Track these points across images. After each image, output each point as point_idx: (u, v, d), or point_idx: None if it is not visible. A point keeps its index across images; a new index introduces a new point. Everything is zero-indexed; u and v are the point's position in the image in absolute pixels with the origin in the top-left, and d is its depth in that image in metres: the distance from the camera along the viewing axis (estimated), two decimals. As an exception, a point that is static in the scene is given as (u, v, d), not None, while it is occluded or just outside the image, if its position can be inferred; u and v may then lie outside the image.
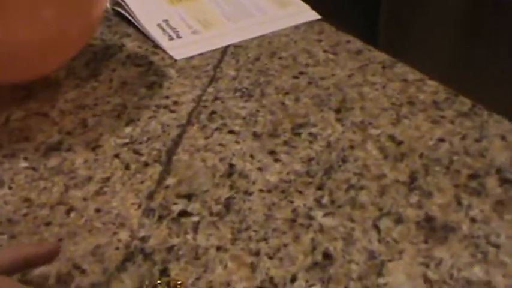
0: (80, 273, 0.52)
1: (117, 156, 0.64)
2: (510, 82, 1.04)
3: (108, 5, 0.87)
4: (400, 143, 0.65)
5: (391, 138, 0.66)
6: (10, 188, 0.61)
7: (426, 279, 0.51)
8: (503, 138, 0.65)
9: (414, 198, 0.58)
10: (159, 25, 0.85)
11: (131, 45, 0.82)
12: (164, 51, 0.81)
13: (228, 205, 0.57)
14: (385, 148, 0.64)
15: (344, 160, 0.63)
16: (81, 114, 0.70)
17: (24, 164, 0.64)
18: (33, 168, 0.63)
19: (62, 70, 0.77)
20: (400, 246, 0.53)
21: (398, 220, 0.56)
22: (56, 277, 0.52)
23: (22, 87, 0.73)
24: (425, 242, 0.54)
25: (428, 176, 0.61)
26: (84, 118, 0.69)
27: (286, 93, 0.73)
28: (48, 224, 0.57)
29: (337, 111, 0.70)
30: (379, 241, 0.54)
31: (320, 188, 0.59)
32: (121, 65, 0.78)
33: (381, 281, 0.50)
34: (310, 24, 0.87)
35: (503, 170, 0.61)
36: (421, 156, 0.63)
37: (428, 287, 0.50)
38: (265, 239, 0.54)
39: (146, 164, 0.62)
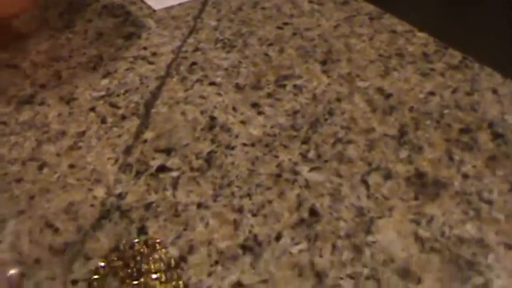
0: (53, 231, 0.49)
1: (92, 109, 0.60)
2: (501, 35, 1.01)
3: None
4: (388, 95, 0.62)
5: (380, 91, 0.63)
6: (-21, 143, 0.57)
7: (417, 237, 0.48)
8: (494, 91, 0.63)
9: (404, 153, 0.56)
10: (136, -27, 0.81)
11: (107, -6, 0.78)
12: (142, 1, 0.77)
13: (209, 160, 0.55)
14: (373, 101, 0.62)
15: (330, 113, 0.60)
16: (55, 67, 0.66)
17: (-6, 119, 0.60)
18: (4, 123, 0.60)
19: (34, 20, 0.73)
20: (390, 203, 0.51)
21: (388, 176, 0.53)
22: (28, 236, 0.49)
23: (-8, 38, 0.70)
24: (416, 198, 0.52)
25: (418, 130, 0.58)
26: (58, 70, 0.66)
27: (270, 44, 0.69)
28: (19, 180, 0.54)
29: (323, 63, 0.67)
30: (368, 197, 0.51)
31: (306, 142, 0.56)
32: (97, 16, 0.74)
33: (370, 238, 0.48)
34: (295, -27, 0.83)
35: (495, 124, 0.59)
36: (410, 109, 0.61)
37: (419, 245, 0.48)
38: (248, 195, 0.51)
39: (123, 117, 0.59)
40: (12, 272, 0.46)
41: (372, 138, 0.57)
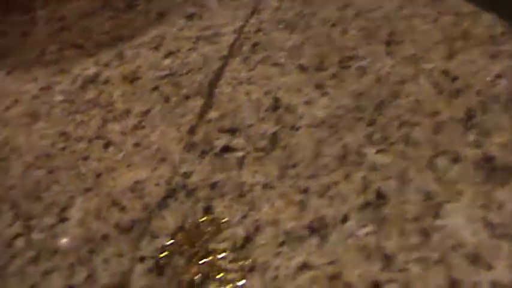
0: (120, 209, 0.50)
1: (156, 88, 0.61)
2: None
3: None
4: (454, 78, 0.61)
5: (445, 73, 0.62)
6: (46, 121, 0.58)
7: (487, 223, 0.47)
8: None
9: (471, 137, 0.54)
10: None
11: (169, -26, 0.78)
12: (203, -20, 0.77)
13: (273, 140, 0.54)
14: (439, 83, 0.60)
15: (395, 95, 0.59)
16: (118, 46, 0.67)
17: (60, 97, 0.61)
18: (70, 101, 0.60)
19: (97, 1, 0.73)
20: (458, 187, 0.50)
21: (456, 159, 0.52)
22: (95, 213, 0.49)
23: (57, 19, 0.70)
24: (485, 183, 0.50)
25: (486, 114, 0.57)
26: (121, 50, 0.66)
27: (333, 25, 0.68)
28: (86, 158, 0.54)
29: (387, 44, 0.66)
30: (436, 181, 0.50)
31: (371, 123, 0.56)
32: (158, -4, 0.75)
33: (439, 223, 0.47)
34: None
35: None
36: (477, 93, 0.59)
37: (489, 231, 0.47)
38: (314, 177, 0.51)
39: (187, 97, 0.59)
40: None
41: (439, 121, 0.56)
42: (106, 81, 0.62)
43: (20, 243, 0.49)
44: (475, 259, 0.45)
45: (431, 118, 0.56)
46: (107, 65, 0.64)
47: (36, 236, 0.49)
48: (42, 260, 0.48)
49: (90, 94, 0.61)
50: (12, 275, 0.46)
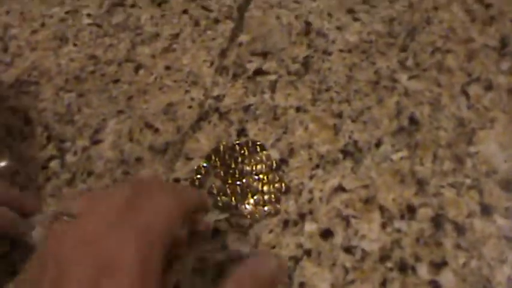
0: (153, 131, 0.50)
1: (185, 12, 0.60)
2: None
3: None
4: (488, 5, 0.60)
5: (479, 0, 0.60)
6: (75, 45, 0.58)
7: (520, 149, 0.47)
8: None
9: (505, 65, 0.54)
10: None
11: None
12: None
13: (306, 64, 0.54)
14: (473, 11, 0.59)
15: (428, 22, 0.58)
16: (144, -31, 0.65)
17: (88, 21, 0.60)
18: (98, 25, 0.60)
19: None
20: (491, 114, 0.50)
21: (489, 87, 0.52)
22: (128, 135, 0.50)
23: None
24: (518, 110, 0.50)
25: (520, 42, 0.56)
26: (147, -27, 0.65)
27: (364, -50, 0.67)
28: (116, 81, 0.54)
29: (419, -31, 0.64)
30: (469, 108, 0.50)
31: (403, 49, 0.55)
32: None
33: (472, 149, 0.47)
34: None
35: None
36: (512, 20, 0.58)
37: (522, 157, 0.47)
38: (347, 101, 0.51)
39: (217, 21, 0.58)
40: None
41: (472, 49, 0.55)
42: (133, 5, 0.62)
43: (54, 165, 0.49)
44: (507, 185, 0.45)
45: (464, 45, 0.55)
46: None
47: (70, 158, 0.49)
48: (77, 182, 0.48)
49: (118, 17, 0.60)
50: (49, 196, 0.47)
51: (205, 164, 0.47)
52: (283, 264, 0.40)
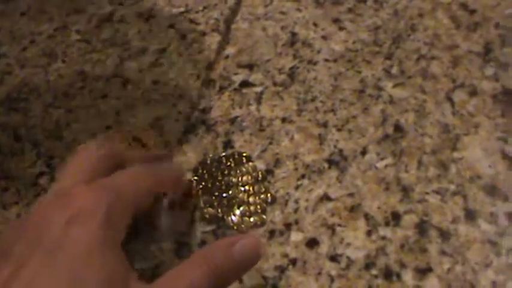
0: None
1: (172, 26, 0.60)
2: None
3: None
4: (473, 11, 0.60)
5: (463, 6, 0.61)
6: (64, 61, 0.58)
7: (504, 155, 0.48)
8: None
9: (490, 71, 0.54)
10: None
11: None
12: None
13: (292, 75, 0.54)
14: (457, 17, 0.60)
15: (413, 29, 0.58)
16: (132, -16, 0.66)
17: (76, 37, 0.61)
18: (86, 41, 0.60)
19: None
20: (476, 120, 0.50)
21: (473, 93, 0.52)
22: (116, 149, 0.50)
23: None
24: (503, 116, 0.51)
25: (504, 47, 0.56)
26: (135, -13, 0.66)
27: (349, -41, 0.67)
28: (104, 96, 0.55)
29: (404, -23, 0.65)
30: (453, 114, 0.50)
31: (389, 57, 0.55)
32: None
33: (456, 155, 0.48)
34: None
35: None
36: (496, 26, 0.59)
37: (507, 163, 0.47)
38: (332, 110, 0.51)
39: (203, 34, 0.59)
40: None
41: (456, 55, 0.56)
42: (121, 20, 0.62)
43: (44, 181, 0.49)
44: (492, 190, 0.45)
45: (449, 52, 0.56)
46: (121, 3, 0.64)
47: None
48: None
49: (106, 33, 0.61)
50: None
51: (191, 177, 0.47)
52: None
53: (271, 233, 0.44)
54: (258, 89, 0.53)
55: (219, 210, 0.45)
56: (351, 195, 0.45)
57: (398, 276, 0.41)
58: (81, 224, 0.32)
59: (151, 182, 0.39)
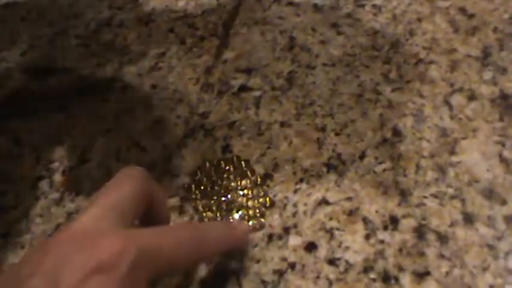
0: (140, 150, 0.50)
1: (171, 30, 0.61)
2: None
3: None
4: (471, 16, 0.60)
5: (462, 10, 0.61)
6: (63, 66, 0.59)
7: (502, 159, 0.48)
8: None
9: (488, 75, 0.54)
10: None
11: None
12: None
13: (290, 79, 0.54)
14: (455, 21, 0.60)
15: (411, 33, 0.59)
16: (131, -12, 0.66)
17: (75, 41, 0.61)
18: (85, 45, 0.60)
19: None
20: (474, 124, 0.50)
21: (472, 97, 0.52)
22: (115, 154, 0.50)
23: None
24: (501, 120, 0.51)
25: (502, 52, 0.57)
26: (134, -8, 0.66)
27: (347, -36, 0.68)
28: (104, 100, 0.55)
29: (403, -18, 0.65)
30: (452, 118, 0.51)
31: (387, 62, 0.56)
32: None
33: (454, 159, 0.48)
34: None
35: None
36: (494, 30, 0.59)
37: (505, 167, 0.47)
38: (331, 115, 0.51)
39: (202, 38, 0.59)
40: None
41: (455, 59, 0.56)
42: (120, 25, 0.62)
43: (43, 185, 0.49)
44: (490, 194, 0.46)
45: (447, 56, 0.56)
46: (120, 8, 0.64)
47: (58, 178, 0.50)
48: (65, 202, 0.48)
49: (105, 38, 0.61)
50: (38, 216, 0.47)
51: (190, 181, 0.47)
52: None
53: (270, 237, 0.44)
54: (257, 94, 0.53)
55: (218, 214, 0.45)
56: (349, 199, 0.45)
57: (397, 279, 0.41)
58: (100, 275, 0.30)
59: (192, 249, 0.34)
